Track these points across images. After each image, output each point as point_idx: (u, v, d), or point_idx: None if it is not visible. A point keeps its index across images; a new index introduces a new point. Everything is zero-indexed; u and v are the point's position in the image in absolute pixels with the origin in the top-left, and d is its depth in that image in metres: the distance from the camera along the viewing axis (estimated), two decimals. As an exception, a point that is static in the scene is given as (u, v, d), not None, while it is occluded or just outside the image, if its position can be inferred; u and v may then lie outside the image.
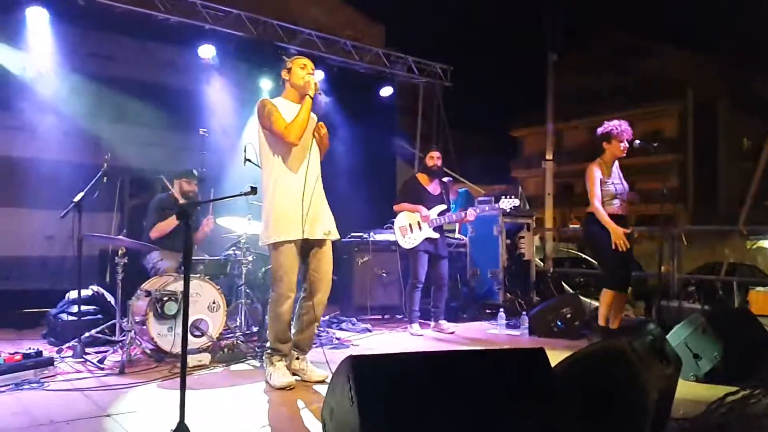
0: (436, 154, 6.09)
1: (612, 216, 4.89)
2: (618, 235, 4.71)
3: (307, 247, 3.85)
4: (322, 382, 3.79)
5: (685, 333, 4.08)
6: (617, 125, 4.96)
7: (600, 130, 5.06)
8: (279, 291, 3.75)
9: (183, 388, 2.50)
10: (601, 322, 5.05)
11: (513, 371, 2.15)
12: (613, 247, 4.77)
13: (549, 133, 9.57)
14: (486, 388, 2.06)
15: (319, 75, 3.61)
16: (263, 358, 3.99)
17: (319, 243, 3.87)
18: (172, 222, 5.21)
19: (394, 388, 1.98)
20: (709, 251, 9.84)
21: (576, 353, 2.59)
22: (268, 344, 3.90)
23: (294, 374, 3.86)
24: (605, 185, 4.92)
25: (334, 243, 4.00)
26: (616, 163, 5.03)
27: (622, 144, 4.93)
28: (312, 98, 3.76)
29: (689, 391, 3.65)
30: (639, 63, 26.79)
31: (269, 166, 3.80)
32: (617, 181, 4.97)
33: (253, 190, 3.17)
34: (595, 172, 4.92)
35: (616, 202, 4.94)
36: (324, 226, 3.87)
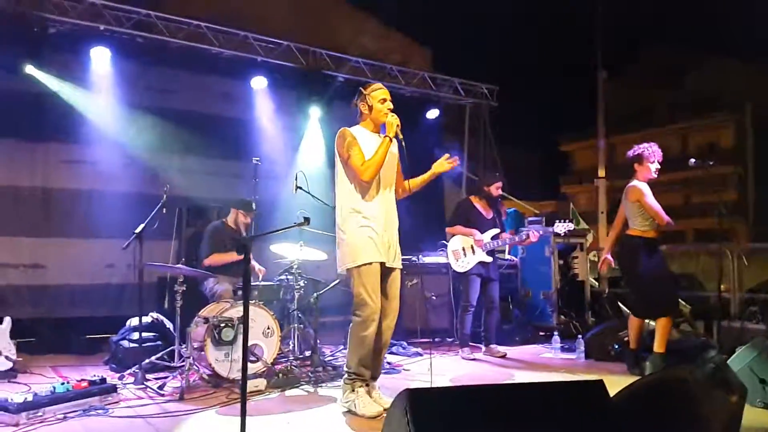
0: (500, 184, 6.11)
1: (649, 239, 4.82)
2: None
3: (382, 273, 3.87)
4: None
5: (749, 357, 3.94)
6: (647, 147, 4.95)
7: (630, 152, 5.03)
8: (364, 314, 3.73)
9: (243, 417, 2.56)
10: (632, 345, 5.03)
11: (572, 404, 2.12)
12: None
13: (601, 150, 9.44)
14: (546, 422, 2.04)
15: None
16: (343, 384, 3.89)
17: (392, 270, 3.92)
18: (230, 256, 5.36)
19: (451, 422, 1.98)
20: (771, 268, 9.41)
21: (635, 383, 2.53)
22: (348, 369, 3.82)
23: None
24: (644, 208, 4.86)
25: None
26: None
27: (653, 165, 4.89)
28: (391, 140, 3.83)
29: (756, 418, 3.52)
30: (694, 76, 26.13)
31: (349, 190, 3.85)
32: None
33: (307, 221, 3.24)
34: (644, 188, 4.84)
35: (653, 223, 4.87)
36: (398, 254, 3.95)
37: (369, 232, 3.78)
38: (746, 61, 24.41)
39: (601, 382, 2.22)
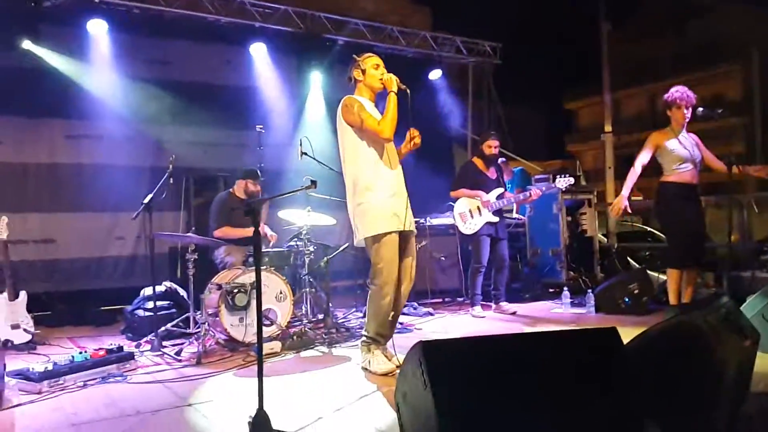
0: (494, 143, 6.03)
1: (679, 185, 4.81)
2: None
3: (399, 240, 3.87)
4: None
5: (761, 304, 3.94)
6: (675, 91, 4.88)
7: (664, 97, 4.99)
8: (380, 283, 3.77)
9: (261, 376, 2.60)
10: (672, 301, 4.97)
11: (585, 352, 2.14)
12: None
13: (607, 105, 9.34)
14: (559, 369, 2.06)
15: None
16: (360, 345, 3.98)
17: (408, 235, 3.93)
18: (242, 231, 5.33)
19: (465, 371, 2.00)
20: (782, 217, 9.37)
21: (648, 330, 2.54)
22: (366, 333, 3.90)
23: None
24: (672, 151, 4.85)
25: None
26: (684, 132, 4.92)
27: (682, 110, 4.83)
28: (396, 94, 3.78)
29: (768, 364, 3.53)
30: (697, 25, 25.57)
31: (361, 160, 3.83)
32: (687, 147, 4.85)
33: (314, 184, 3.22)
34: (650, 140, 4.95)
35: (686, 166, 4.84)
36: (411, 217, 3.93)
37: (388, 200, 3.79)
38: (750, 6, 23.85)
39: (614, 329, 2.23)
